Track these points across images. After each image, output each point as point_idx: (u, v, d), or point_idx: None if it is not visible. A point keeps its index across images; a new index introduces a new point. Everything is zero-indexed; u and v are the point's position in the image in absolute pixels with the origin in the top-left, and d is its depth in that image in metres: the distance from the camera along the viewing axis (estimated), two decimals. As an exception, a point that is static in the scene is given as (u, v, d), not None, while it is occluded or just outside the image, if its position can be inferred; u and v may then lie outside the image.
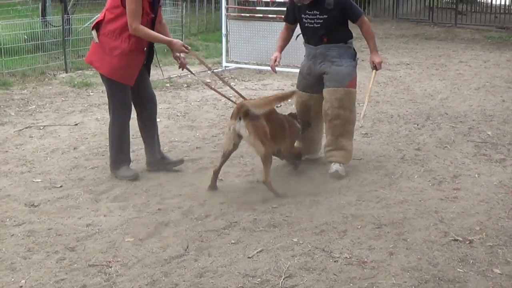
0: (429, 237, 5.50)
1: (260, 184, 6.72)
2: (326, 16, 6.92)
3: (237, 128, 6.38)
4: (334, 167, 7.10)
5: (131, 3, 6.39)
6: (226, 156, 6.70)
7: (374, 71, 7.17)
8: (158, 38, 6.74)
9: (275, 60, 7.30)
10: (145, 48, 6.70)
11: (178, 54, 6.90)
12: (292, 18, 7.27)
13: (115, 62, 6.61)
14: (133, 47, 6.59)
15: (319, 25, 7.01)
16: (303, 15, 7.06)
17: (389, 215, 5.97)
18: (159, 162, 7.15)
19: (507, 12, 25.67)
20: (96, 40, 6.62)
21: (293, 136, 7.17)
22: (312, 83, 7.32)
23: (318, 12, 6.94)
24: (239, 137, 6.46)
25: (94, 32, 6.62)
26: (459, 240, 5.45)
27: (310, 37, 7.20)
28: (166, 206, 6.19)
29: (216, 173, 6.69)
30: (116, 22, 6.52)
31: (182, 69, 7.19)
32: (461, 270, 4.94)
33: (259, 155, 6.50)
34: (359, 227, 5.73)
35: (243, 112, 6.31)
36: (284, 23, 7.60)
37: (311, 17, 7.01)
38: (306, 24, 7.10)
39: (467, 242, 5.40)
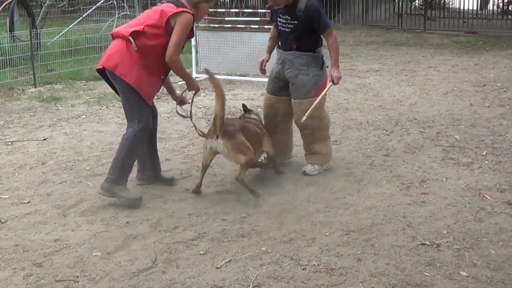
0: (397, 242, 5.53)
1: (229, 194, 6.75)
2: (296, 22, 7.01)
3: (214, 147, 6.52)
4: (304, 168, 7.38)
5: (179, 36, 6.35)
6: (204, 169, 6.80)
7: (330, 83, 7.18)
8: (185, 73, 6.75)
9: (262, 63, 7.54)
10: (163, 76, 6.69)
11: (183, 93, 7.10)
12: (274, 18, 7.36)
13: (144, 75, 6.41)
14: (161, 71, 6.57)
15: (289, 30, 7.11)
16: (278, 18, 7.19)
17: (358, 221, 5.99)
18: (156, 177, 7.12)
19: (475, 17, 25.89)
20: (136, 48, 6.33)
21: (264, 139, 7.23)
22: (280, 86, 7.42)
23: (289, 18, 7.05)
24: (217, 153, 6.60)
25: (131, 39, 6.32)
26: (427, 244, 5.47)
27: (282, 41, 7.33)
28: (134, 219, 6.17)
29: (198, 186, 6.78)
30: (155, 40, 6.37)
31: (181, 106, 7.13)
32: (428, 274, 4.97)
33: (239, 164, 6.60)
34: (327, 234, 5.74)
35: (220, 131, 6.41)
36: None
37: (283, 21, 7.12)
38: (279, 27, 7.23)
39: (435, 246, 5.43)
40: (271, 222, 6.05)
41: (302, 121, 7.07)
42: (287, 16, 7.07)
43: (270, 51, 7.66)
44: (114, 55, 6.44)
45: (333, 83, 7.13)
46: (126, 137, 6.56)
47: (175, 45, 6.34)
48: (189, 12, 6.39)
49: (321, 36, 7.15)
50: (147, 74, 6.43)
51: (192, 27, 6.54)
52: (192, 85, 6.82)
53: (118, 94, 6.77)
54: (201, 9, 6.62)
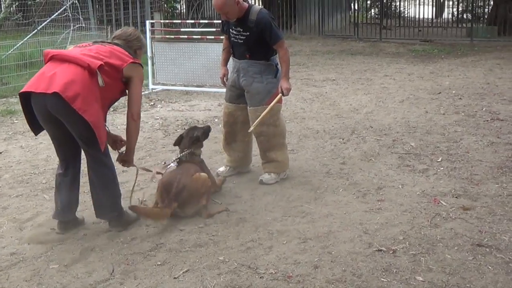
0: (353, 249, 5.56)
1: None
2: (248, 34, 7.07)
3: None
4: (261, 177, 7.44)
5: (140, 90, 6.08)
6: None
7: (280, 94, 7.20)
8: (136, 139, 6.36)
9: (223, 77, 7.64)
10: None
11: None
12: (226, 29, 7.38)
13: (101, 117, 5.74)
14: (104, 118, 5.94)
15: (242, 41, 7.16)
16: (230, 30, 7.24)
17: (315, 229, 6.02)
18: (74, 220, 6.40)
19: (430, 25, 26.21)
20: (103, 84, 5.67)
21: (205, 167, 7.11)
22: (237, 94, 7.48)
23: (241, 29, 7.11)
24: None
25: (99, 72, 5.62)
26: (383, 250, 5.52)
27: (235, 51, 7.38)
28: (91, 231, 6.14)
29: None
30: (114, 83, 5.83)
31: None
32: (384, 280, 5.01)
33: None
34: (284, 242, 5.76)
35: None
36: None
37: (236, 32, 7.17)
38: (232, 38, 7.27)
39: (391, 252, 5.48)
40: (229, 231, 6.06)
41: (249, 130, 7.11)
42: (239, 28, 7.13)
43: (225, 64, 7.70)
44: (73, 84, 5.50)
45: (283, 95, 7.16)
46: (107, 170, 6.04)
47: (140, 99, 6.12)
48: (139, 63, 6.06)
49: (274, 47, 7.19)
50: (102, 116, 5.81)
51: None
52: (130, 157, 6.41)
53: (34, 127, 5.98)
54: (138, 55, 6.27)
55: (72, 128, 5.70)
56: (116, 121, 10.79)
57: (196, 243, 5.80)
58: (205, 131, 7.18)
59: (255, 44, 7.10)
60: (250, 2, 7.18)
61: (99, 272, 5.30)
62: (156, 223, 6.22)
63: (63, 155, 6.06)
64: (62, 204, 6.08)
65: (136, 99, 6.02)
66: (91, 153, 5.91)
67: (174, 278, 5.14)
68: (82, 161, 6.15)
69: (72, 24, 17.79)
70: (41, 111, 5.68)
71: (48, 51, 5.87)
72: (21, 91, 5.73)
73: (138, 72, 5.99)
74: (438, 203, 6.61)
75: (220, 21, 7.65)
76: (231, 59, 7.58)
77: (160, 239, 5.92)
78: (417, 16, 27.88)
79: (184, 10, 29.89)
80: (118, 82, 5.90)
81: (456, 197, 6.78)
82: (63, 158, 6.07)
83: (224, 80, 7.65)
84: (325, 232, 5.94)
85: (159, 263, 5.43)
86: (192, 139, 7.00)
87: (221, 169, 7.79)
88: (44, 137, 9.57)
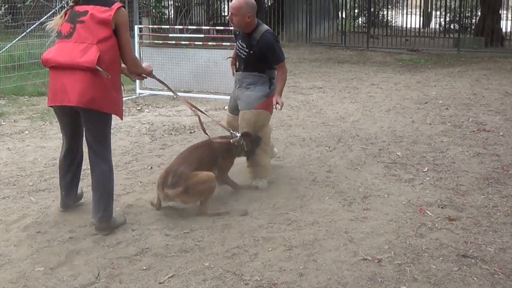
0: (339, 257, 5.58)
1: (172, 210, 6.74)
2: (251, 52, 7.26)
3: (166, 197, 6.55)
4: (255, 183, 7.48)
5: (127, 34, 6.09)
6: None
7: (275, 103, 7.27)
8: (142, 66, 6.55)
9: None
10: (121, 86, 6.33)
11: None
12: (236, 40, 7.59)
13: (116, 96, 6.11)
14: (119, 80, 6.22)
15: (244, 57, 7.37)
16: (237, 42, 7.48)
17: (300, 237, 6.03)
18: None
19: (417, 35, 26.31)
20: (108, 76, 5.85)
21: (229, 162, 7.31)
22: (234, 105, 7.70)
23: (245, 45, 7.30)
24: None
25: (99, 68, 5.79)
26: (368, 259, 5.53)
27: (238, 63, 7.62)
28: (77, 234, 6.13)
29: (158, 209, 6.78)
30: (110, 53, 5.93)
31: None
32: (369, 289, 5.04)
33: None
34: (270, 249, 5.76)
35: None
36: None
37: (240, 46, 7.40)
38: (237, 50, 7.50)
39: (376, 261, 5.49)
40: (214, 237, 6.06)
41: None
42: (243, 44, 7.33)
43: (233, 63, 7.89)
44: (85, 90, 5.84)
45: (276, 108, 7.26)
46: (108, 170, 6.22)
47: (130, 44, 6.18)
48: (122, 6, 6.11)
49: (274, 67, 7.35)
50: (116, 93, 6.11)
51: None
52: (147, 71, 6.63)
53: (64, 126, 6.49)
54: None
55: (88, 126, 6.15)
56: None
57: (182, 248, 5.80)
58: (256, 141, 7.45)
59: (255, 62, 7.28)
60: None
61: (85, 275, 5.29)
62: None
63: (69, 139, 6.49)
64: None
65: (127, 44, 6.11)
66: (96, 148, 6.17)
67: (159, 283, 5.14)
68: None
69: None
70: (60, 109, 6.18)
71: (45, 59, 6.03)
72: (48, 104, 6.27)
73: (120, 18, 5.99)
74: (423, 213, 6.63)
75: (208, 27, 7.73)
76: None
77: (145, 243, 5.91)
78: (404, 26, 27.97)
79: (173, 16, 29.87)
80: (115, 44, 6.02)
81: (442, 208, 6.80)
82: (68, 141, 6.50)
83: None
84: (311, 240, 5.95)
85: (144, 267, 5.42)
86: (253, 139, 7.38)
87: None
88: (31, 140, 9.61)
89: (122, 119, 6.50)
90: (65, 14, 6.11)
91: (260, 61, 7.25)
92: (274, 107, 7.26)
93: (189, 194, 6.48)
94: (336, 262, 5.49)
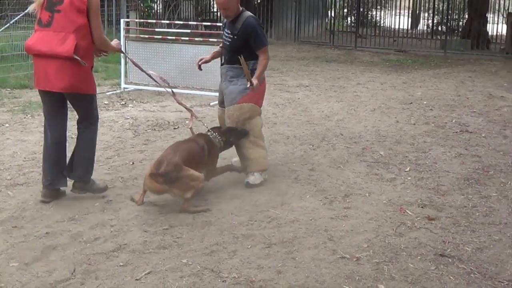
0: (317, 255, 5.56)
1: (152, 206, 6.73)
2: (235, 37, 7.29)
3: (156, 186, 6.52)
4: (247, 179, 7.48)
5: (98, 16, 6.53)
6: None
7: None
8: (110, 43, 6.87)
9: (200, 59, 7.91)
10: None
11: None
12: (223, 30, 7.64)
13: (92, 76, 6.76)
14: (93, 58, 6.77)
15: (228, 44, 7.41)
16: (224, 31, 7.54)
17: (280, 235, 6.01)
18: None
19: (405, 36, 26.33)
20: (85, 64, 6.43)
21: (214, 157, 7.30)
22: (222, 99, 7.73)
23: (229, 32, 7.35)
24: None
25: (77, 57, 6.33)
26: (347, 257, 5.53)
27: (224, 54, 7.64)
28: (54, 230, 6.08)
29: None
30: (87, 39, 6.48)
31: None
32: (347, 287, 5.02)
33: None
34: (249, 247, 5.74)
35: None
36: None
37: (226, 34, 7.43)
38: (223, 39, 7.56)
39: (354, 259, 5.48)
40: (194, 234, 6.03)
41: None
42: (228, 31, 7.37)
43: (213, 56, 8.01)
44: (66, 77, 6.42)
45: (250, 89, 7.18)
46: (90, 136, 6.87)
47: (100, 26, 6.59)
48: None
49: (256, 53, 7.31)
50: (91, 72, 6.70)
51: None
52: (117, 48, 7.00)
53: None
54: None
55: (74, 105, 6.78)
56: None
57: (160, 245, 5.77)
58: (242, 133, 7.47)
59: (238, 49, 7.24)
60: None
61: (60, 271, 5.25)
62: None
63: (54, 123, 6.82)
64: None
65: (97, 26, 6.54)
66: (83, 120, 6.80)
67: (136, 279, 5.10)
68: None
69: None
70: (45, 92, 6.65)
71: (28, 46, 6.58)
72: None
73: (92, 3, 6.43)
74: (404, 213, 6.62)
75: (195, 23, 7.69)
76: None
77: (124, 239, 5.88)
78: (392, 26, 28.01)
79: (161, 10, 29.79)
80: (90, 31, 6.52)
81: (422, 207, 6.81)
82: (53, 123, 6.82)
83: (199, 62, 7.88)
84: (290, 238, 5.94)
85: (121, 264, 5.39)
86: (228, 131, 7.42)
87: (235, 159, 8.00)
88: (11, 133, 9.54)
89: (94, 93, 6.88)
90: (44, 1, 6.50)
91: (243, 47, 7.22)
92: (247, 87, 7.22)
93: (181, 185, 6.44)
94: (314, 260, 5.47)
